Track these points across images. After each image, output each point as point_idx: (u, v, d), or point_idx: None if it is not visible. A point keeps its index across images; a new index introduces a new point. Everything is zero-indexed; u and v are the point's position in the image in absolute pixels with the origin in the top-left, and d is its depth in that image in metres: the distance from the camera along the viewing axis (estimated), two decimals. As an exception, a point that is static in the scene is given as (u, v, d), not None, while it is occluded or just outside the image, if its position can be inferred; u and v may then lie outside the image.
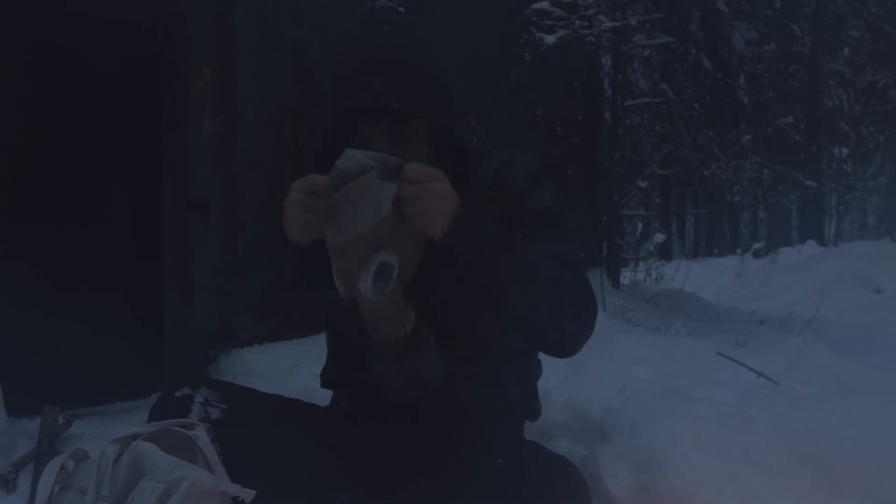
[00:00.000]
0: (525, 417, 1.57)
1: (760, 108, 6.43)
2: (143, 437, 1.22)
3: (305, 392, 2.25)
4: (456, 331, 1.37)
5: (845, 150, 17.09)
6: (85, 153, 3.10)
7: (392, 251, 1.18)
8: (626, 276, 7.49)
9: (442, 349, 1.35)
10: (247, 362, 3.14)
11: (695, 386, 2.18)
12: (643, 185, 8.17)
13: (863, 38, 14.05)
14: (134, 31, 3.17)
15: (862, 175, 20.67)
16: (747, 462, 1.60)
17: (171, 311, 3.26)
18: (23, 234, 2.96)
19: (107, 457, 1.19)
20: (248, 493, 1.17)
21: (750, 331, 4.14)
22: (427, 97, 1.32)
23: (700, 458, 1.60)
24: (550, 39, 4.31)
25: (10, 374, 2.42)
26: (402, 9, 3.48)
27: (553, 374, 1.99)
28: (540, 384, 1.60)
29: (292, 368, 2.97)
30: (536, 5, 4.50)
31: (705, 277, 10.15)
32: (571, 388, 2.17)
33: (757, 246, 16.46)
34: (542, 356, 1.52)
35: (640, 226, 11.21)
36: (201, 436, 1.25)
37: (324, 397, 1.62)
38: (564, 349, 1.37)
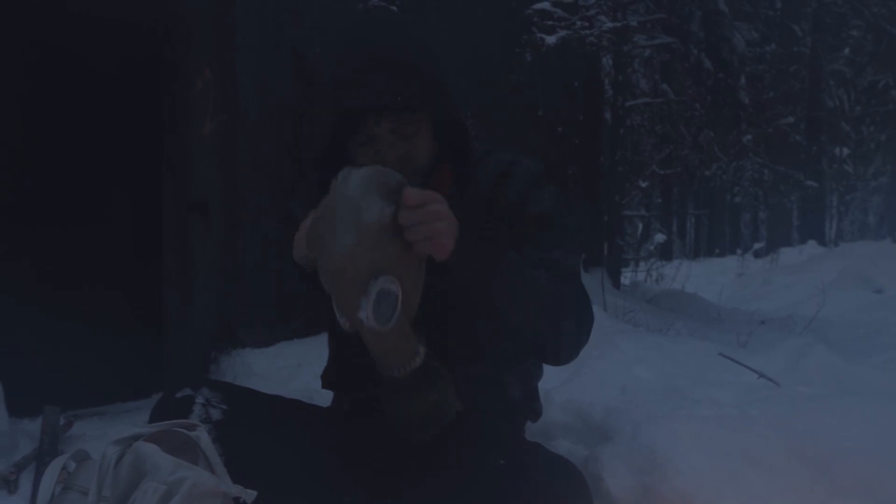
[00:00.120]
0: (526, 418, 1.57)
1: (761, 108, 6.43)
2: (144, 438, 1.22)
3: (306, 393, 2.25)
4: (455, 333, 1.37)
5: (846, 151, 17.08)
6: (85, 153, 3.10)
7: (393, 277, 1.12)
8: (626, 277, 7.49)
9: (441, 350, 1.35)
10: (247, 363, 3.14)
11: (696, 386, 2.17)
12: (644, 185, 8.17)
13: (864, 39, 14.06)
14: (134, 31, 3.17)
15: (863, 175, 20.68)
16: (748, 462, 1.60)
17: (171, 311, 3.27)
18: (23, 234, 2.96)
19: (108, 457, 1.19)
20: (250, 494, 1.17)
21: (751, 331, 4.14)
22: (428, 94, 1.32)
23: (701, 459, 1.60)
24: (551, 40, 4.31)
25: (11, 374, 2.43)
26: (394, 7, 3.48)
27: (554, 374, 1.99)
28: (541, 384, 1.60)
29: (293, 369, 2.97)
30: (537, 6, 4.49)
31: (706, 278, 10.15)
32: (572, 389, 2.17)
33: (758, 246, 16.45)
34: (542, 356, 1.52)
35: (640, 226, 11.22)
36: (203, 437, 1.25)
37: (325, 398, 1.62)
38: (559, 359, 1.40)
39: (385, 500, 1.38)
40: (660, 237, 11.86)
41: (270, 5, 3.47)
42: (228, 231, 3.32)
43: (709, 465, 1.59)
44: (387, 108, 1.30)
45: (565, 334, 1.35)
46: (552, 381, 2.06)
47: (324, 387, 1.59)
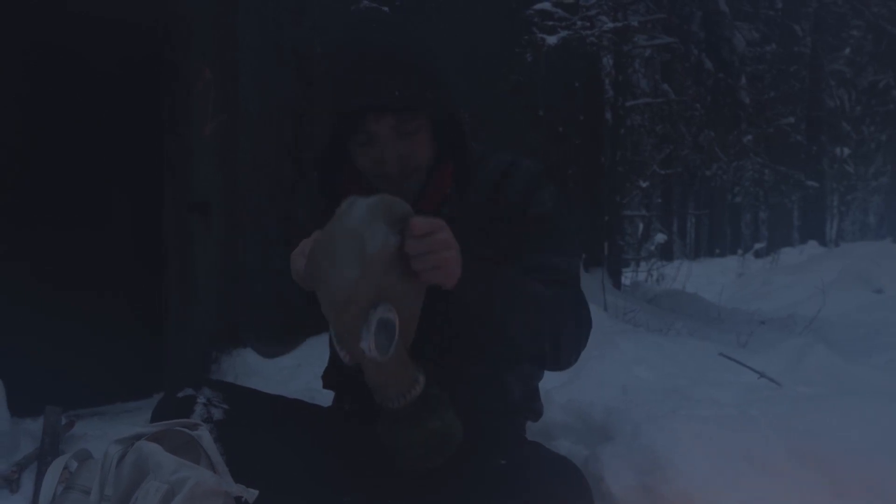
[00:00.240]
0: (526, 418, 1.57)
1: (762, 108, 6.44)
2: (146, 438, 1.22)
3: (307, 392, 2.25)
4: (455, 335, 1.37)
5: (847, 151, 17.08)
6: (85, 154, 3.10)
7: (391, 306, 1.09)
8: (627, 277, 7.50)
9: (441, 350, 1.35)
10: (248, 363, 3.14)
11: (696, 386, 2.18)
12: (644, 185, 8.18)
13: (864, 39, 14.07)
14: (134, 31, 3.17)
15: (863, 175, 20.67)
16: (748, 463, 1.60)
17: (172, 311, 3.27)
18: (23, 234, 2.96)
19: (110, 457, 1.19)
20: (252, 493, 1.17)
21: (751, 331, 4.14)
22: (427, 92, 1.32)
23: (701, 459, 1.60)
24: (552, 40, 4.31)
25: (12, 374, 2.43)
26: (386, 8, 3.49)
27: (554, 374, 1.98)
28: (541, 385, 1.60)
29: (294, 369, 2.97)
30: (538, 6, 4.50)
31: (706, 278, 10.15)
32: (573, 389, 2.17)
33: (758, 246, 16.44)
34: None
35: (641, 226, 11.23)
36: (204, 436, 1.25)
37: (325, 398, 1.62)
38: (559, 366, 1.42)
39: (385, 500, 1.38)
40: (660, 237, 11.87)
41: (270, 5, 3.47)
42: (229, 231, 3.32)
43: (709, 465, 1.59)
44: (386, 107, 1.30)
45: (565, 343, 1.36)
46: (553, 381, 2.05)
47: (325, 387, 1.60)
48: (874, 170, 20.53)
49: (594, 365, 2.31)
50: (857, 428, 1.65)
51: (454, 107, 1.38)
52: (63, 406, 2.43)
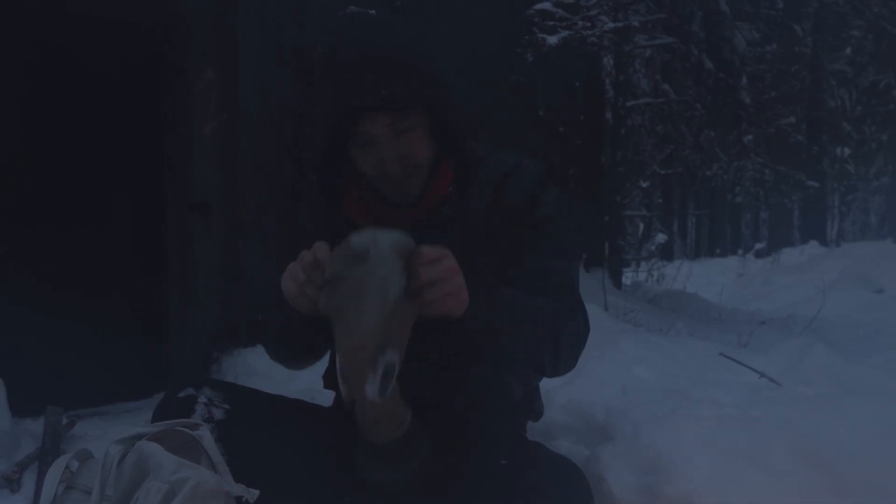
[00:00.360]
0: (527, 418, 1.57)
1: (762, 108, 6.44)
2: (147, 437, 1.22)
3: (308, 392, 2.25)
4: (454, 343, 1.37)
5: (847, 151, 17.07)
6: (85, 154, 3.10)
7: (395, 349, 1.10)
8: (627, 277, 7.50)
9: (441, 351, 1.35)
10: (249, 362, 3.14)
11: (697, 387, 2.18)
12: (645, 185, 8.19)
13: (865, 39, 14.06)
14: (134, 31, 3.17)
15: (864, 175, 20.66)
16: (749, 462, 1.60)
17: (172, 311, 3.27)
18: (23, 234, 2.96)
19: (111, 457, 1.19)
20: (252, 493, 1.17)
21: (752, 331, 4.14)
22: (426, 91, 1.32)
23: (702, 459, 1.60)
24: (552, 40, 4.32)
25: (13, 374, 2.43)
26: (373, 12, 3.48)
27: (555, 374, 1.99)
28: (542, 385, 1.60)
29: (294, 369, 2.97)
30: (538, 6, 4.50)
31: (707, 278, 10.15)
32: (573, 389, 2.17)
33: (759, 246, 16.45)
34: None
35: (641, 226, 11.23)
36: (205, 436, 1.25)
37: (326, 398, 1.62)
38: (557, 373, 1.43)
39: (386, 500, 1.38)
40: (661, 237, 11.88)
41: (270, 5, 3.47)
42: (229, 231, 3.32)
43: (709, 465, 1.59)
44: (385, 107, 1.30)
45: (564, 352, 1.37)
46: (553, 381, 2.05)
47: (325, 387, 1.59)
48: (875, 170, 20.52)
49: (594, 365, 2.31)
50: (857, 428, 1.65)
51: (454, 106, 1.38)
52: (64, 406, 2.43)
